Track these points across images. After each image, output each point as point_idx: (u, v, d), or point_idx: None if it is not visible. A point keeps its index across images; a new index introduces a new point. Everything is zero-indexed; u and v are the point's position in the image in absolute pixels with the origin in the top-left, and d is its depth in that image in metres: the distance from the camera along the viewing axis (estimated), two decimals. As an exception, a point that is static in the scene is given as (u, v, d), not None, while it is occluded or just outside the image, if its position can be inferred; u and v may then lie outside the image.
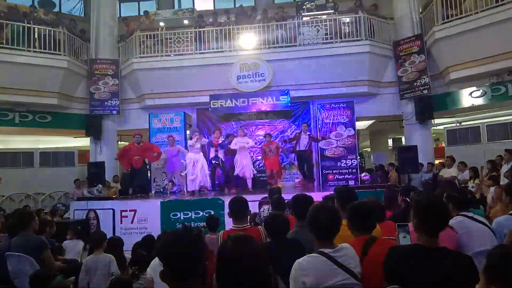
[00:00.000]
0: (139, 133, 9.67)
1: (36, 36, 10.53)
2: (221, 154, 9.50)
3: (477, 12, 8.99)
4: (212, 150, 9.56)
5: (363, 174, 10.23)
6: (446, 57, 9.94)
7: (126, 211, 8.06)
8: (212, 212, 7.61)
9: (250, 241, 1.58)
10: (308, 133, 9.78)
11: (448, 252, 2.04)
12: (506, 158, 7.81)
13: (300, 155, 9.85)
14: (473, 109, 10.31)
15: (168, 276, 1.51)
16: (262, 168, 10.46)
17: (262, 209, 5.15)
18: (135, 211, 8.03)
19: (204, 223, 4.73)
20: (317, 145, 10.28)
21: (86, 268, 3.98)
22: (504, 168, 7.67)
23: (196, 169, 8.84)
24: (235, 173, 9.37)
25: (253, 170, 9.54)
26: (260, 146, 10.22)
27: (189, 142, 9.18)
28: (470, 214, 3.17)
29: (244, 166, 9.22)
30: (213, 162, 9.26)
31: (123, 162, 9.68)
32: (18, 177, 11.38)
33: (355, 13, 10.82)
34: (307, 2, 11.82)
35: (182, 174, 9.48)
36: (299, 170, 10.37)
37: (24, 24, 10.28)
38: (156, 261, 3.22)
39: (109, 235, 6.61)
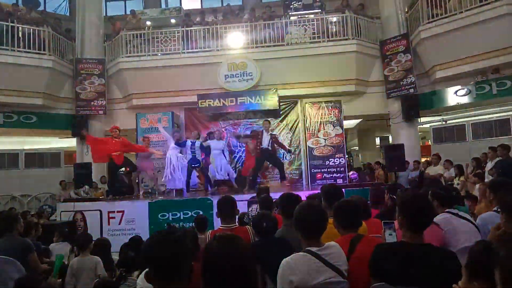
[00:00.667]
0: (116, 126, 9.21)
1: (20, 35, 10.36)
2: (199, 155, 9.02)
3: (462, 12, 9.14)
4: (189, 152, 9.02)
5: (351, 173, 10.31)
6: (432, 56, 10.07)
7: (114, 212, 8.00)
8: (201, 212, 7.61)
9: (236, 240, 1.58)
10: (270, 133, 8.86)
11: (433, 248, 2.07)
12: (490, 155, 7.93)
13: (264, 154, 8.82)
14: (458, 107, 10.46)
15: (153, 277, 1.50)
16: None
17: (250, 209, 5.15)
18: (122, 212, 7.97)
19: (193, 223, 4.71)
20: (306, 144, 10.31)
21: (73, 270, 3.94)
22: (489, 165, 7.79)
23: (174, 168, 8.84)
24: (217, 178, 9.22)
25: (232, 170, 9.51)
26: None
27: (170, 141, 9.12)
28: (455, 211, 3.21)
29: (222, 168, 9.08)
30: (192, 165, 8.91)
31: (95, 153, 9.15)
32: (3, 179, 11.19)
33: (342, 12, 10.88)
34: (294, 2, 11.85)
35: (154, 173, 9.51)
36: (255, 171, 9.14)
37: (8, 23, 10.11)
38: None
39: (97, 236, 6.57)
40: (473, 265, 1.61)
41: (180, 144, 9.09)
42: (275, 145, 8.94)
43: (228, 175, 9.25)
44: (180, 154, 9.06)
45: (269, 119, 9.74)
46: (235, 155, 10.90)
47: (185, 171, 8.95)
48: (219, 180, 9.34)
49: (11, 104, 10.52)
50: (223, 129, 10.80)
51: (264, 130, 8.84)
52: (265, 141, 8.71)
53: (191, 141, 8.92)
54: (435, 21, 9.65)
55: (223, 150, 9.26)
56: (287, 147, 9.89)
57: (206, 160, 9.17)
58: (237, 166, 10.67)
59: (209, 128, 11.10)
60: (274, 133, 9.35)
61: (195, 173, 9.51)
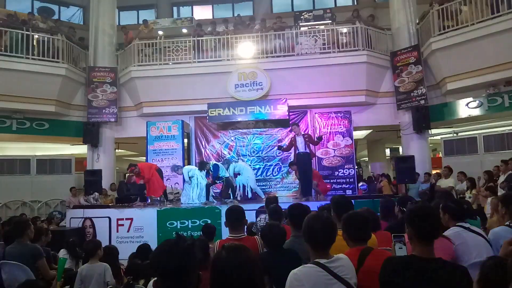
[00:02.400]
0: (132, 168, 8.86)
1: (34, 43, 10.56)
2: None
3: (473, 24, 9.08)
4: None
5: (360, 184, 10.24)
6: (443, 68, 10.01)
7: (123, 219, 8.03)
8: (209, 221, 7.60)
9: (244, 251, 1.57)
10: (302, 133, 8.76)
11: (443, 262, 2.04)
12: (503, 168, 7.83)
13: (301, 158, 8.49)
14: (470, 119, 10.35)
15: (161, 286, 1.51)
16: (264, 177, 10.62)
17: (259, 219, 5.11)
18: (131, 219, 7.99)
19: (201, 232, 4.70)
20: (315, 154, 10.25)
21: (81, 277, 3.95)
22: (501, 179, 7.69)
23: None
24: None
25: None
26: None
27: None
28: (467, 225, 3.16)
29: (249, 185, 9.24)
30: (216, 181, 9.22)
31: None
32: (14, 185, 11.33)
33: (352, 23, 10.89)
34: (305, 13, 11.93)
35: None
36: (298, 178, 9.16)
37: (23, 32, 10.32)
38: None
39: (105, 243, 6.59)
40: (486, 281, 1.59)
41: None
42: (310, 143, 8.60)
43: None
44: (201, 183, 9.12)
45: (296, 122, 9.84)
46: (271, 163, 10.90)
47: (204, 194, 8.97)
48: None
49: (24, 111, 10.70)
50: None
51: (296, 135, 8.55)
52: (300, 145, 8.41)
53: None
54: (446, 33, 9.60)
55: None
56: (316, 139, 9.12)
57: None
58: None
59: (218, 136, 11.14)
60: (304, 133, 9.27)
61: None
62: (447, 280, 1.92)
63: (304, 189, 8.66)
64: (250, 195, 9.34)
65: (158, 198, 9.19)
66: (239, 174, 9.34)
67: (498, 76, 9.07)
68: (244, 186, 9.29)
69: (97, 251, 4.12)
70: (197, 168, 9.05)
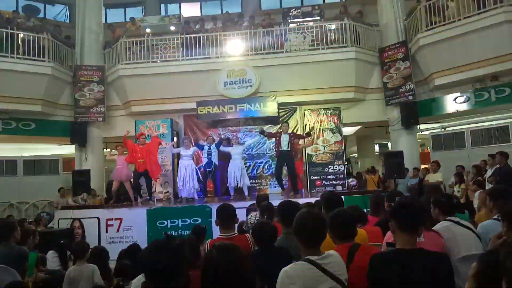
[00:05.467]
0: (142, 133, 9.21)
1: (20, 42, 10.37)
2: (215, 158, 9.08)
3: (460, 19, 9.17)
4: (205, 156, 9.06)
5: (350, 180, 10.29)
6: (430, 63, 10.10)
7: (112, 219, 7.96)
8: (200, 220, 7.58)
9: (234, 250, 1.56)
10: (289, 133, 8.98)
11: (425, 252, 2.11)
12: (490, 163, 7.93)
13: (282, 156, 8.77)
14: (457, 114, 10.47)
15: (150, 286, 1.48)
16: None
17: (249, 216, 5.10)
18: (121, 219, 7.93)
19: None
20: (305, 151, 10.28)
21: (69, 279, 3.90)
22: (489, 173, 7.78)
23: (185, 177, 8.75)
24: (228, 182, 9.18)
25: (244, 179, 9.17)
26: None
27: (181, 150, 9.09)
28: (456, 219, 3.19)
29: (235, 174, 8.95)
30: (207, 169, 8.95)
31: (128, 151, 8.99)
32: (1, 186, 11.18)
33: (340, 20, 10.92)
34: (294, 9, 11.93)
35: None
36: (275, 176, 9.24)
37: (7, 30, 10.13)
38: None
39: (95, 244, 6.52)
40: (482, 276, 1.60)
41: (198, 145, 9.15)
42: (295, 140, 8.93)
43: (237, 181, 9.03)
44: (193, 164, 9.02)
45: (286, 120, 9.93)
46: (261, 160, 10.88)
47: (196, 180, 8.87)
48: (238, 188, 9.23)
49: (9, 111, 10.51)
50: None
51: (282, 133, 8.83)
52: (284, 142, 8.68)
53: (208, 145, 8.95)
54: (434, 29, 9.69)
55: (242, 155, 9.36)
56: (304, 134, 9.59)
57: (224, 165, 9.26)
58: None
59: (208, 134, 11.09)
60: (291, 132, 9.28)
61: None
62: (430, 270, 2.01)
63: (293, 186, 8.86)
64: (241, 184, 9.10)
65: (148, 197, 9.15)
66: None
67: (485, 71, 9.18)
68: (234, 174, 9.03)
69: (85, 252, 4.07)
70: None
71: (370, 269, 2.10)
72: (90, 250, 4.27)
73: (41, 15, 15.96)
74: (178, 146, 10.02)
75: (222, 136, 10.21)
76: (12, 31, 10.17)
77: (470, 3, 9.08)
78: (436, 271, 2.01)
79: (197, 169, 9.17)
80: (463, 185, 8.32)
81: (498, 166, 7.60)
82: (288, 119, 11.05)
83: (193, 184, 8.77)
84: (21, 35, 10.43)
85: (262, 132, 9.37)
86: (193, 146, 9.37)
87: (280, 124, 9.79)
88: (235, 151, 9.10)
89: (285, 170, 9.24)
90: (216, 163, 9.06)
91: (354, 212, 3.28)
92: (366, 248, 2.52)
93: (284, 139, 8.70)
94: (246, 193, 9.03)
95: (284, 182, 9.45)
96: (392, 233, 2.28)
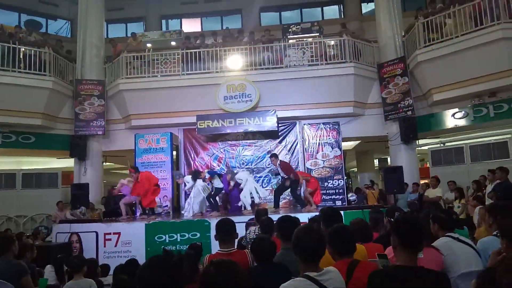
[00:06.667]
0: (130, 169, 8.99)
1: (21, 56, 10.46)
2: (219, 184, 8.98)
3: (458, 36, 9.26)
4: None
5: (349, 195, 10.26)
6: (429, 79, 10.16)
7: (110, 234, 7.91)
8: (198, 235, 7.53)
9: (233, 267, 1.55)
10: (278, 164, 9.05)
11: (427, 271, 2.08)
12: (490, 178, 7.92)
13: (283, 181, 9.15)
14: (456, 130, 10.50)
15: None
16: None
17: (248, 231, 5.07)
18: (119, 234, 7.87)
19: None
20: (304, 165, 10.31)
21: (67, 294, 3.86)
22: (489, 188, 7.77)
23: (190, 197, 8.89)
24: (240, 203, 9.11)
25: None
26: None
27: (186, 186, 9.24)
28: (456, 235, 3.17)
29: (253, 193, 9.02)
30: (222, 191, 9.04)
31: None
32: (-1, 199, 11.12)
33: (340, 36, 11.03)
34: (293, 25, 12.06)
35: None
36: (274, 193, 9.59)
37: (9, 45, 10.22)
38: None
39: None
40: None
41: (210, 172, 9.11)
42: (286, 169, 8.96)
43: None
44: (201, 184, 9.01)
45: (273, 153, 9.88)
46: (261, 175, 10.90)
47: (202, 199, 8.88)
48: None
49: (10, 124, 10.52)
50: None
51: (273, 165, 9.29)
52: (281, 172, 9.05)
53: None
54: (432, 45, 9.78)
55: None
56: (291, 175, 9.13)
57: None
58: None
59: (207, 148, 11.12)
60: (279, 161, 9.19)
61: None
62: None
63: (300, 204, 9.05)
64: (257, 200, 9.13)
65: (146, 211, 9.10)
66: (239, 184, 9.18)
67: (483, 87, 9.22)
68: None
69: (82, 267, 4.03)
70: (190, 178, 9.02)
71: (369, 285, 2.07)
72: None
73: (43, 30, 16.16)
74: (177, 163, 10.07)
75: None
76: (14, 45, 10.27)
77: (467, 20, 9.19)
78: None
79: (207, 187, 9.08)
80: (463, 200, 8.30)
81: (498, 181, 7.59)
82: (287, 134, 11.09)
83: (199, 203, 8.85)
84: (22, 49, 10.52)
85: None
86: (183, 177, 9.43)
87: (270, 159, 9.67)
88: (242, 176, 9.12)
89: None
90: (225, 186, 9.00)
91: (357, 227, 3.27)
92: (366, 264, 2.50)
93: (279, 169, 9.02)
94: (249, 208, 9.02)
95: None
96: (393, 249, 2.26)
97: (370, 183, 11.89)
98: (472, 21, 9.11)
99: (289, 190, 9.16)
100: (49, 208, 10.89)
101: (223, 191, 9.11)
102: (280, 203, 9.68)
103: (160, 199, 9.94)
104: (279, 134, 10.94)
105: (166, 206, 10.00)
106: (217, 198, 9.11)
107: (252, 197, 8.99)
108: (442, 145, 11.44)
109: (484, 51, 8.87)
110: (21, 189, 11.58)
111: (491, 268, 2.02)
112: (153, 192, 8.64)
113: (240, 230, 4.70)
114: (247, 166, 10.71)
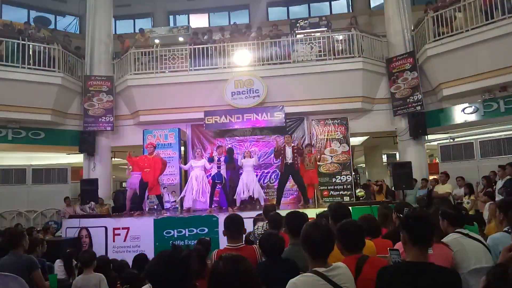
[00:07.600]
0: (151, 143, 9.09)
1: (30, 53, 10.54)
2: (223, 171, 8.85)
3: (468, 30, 9.13)
4: (215, 167, 8.87)
5: (357, 190, 10.22)
6: (438, 74, 10.05)
7: (119, 229, 7.98)
8: (206, 230, 7.57)
9: (241, 261, 1.55)
10: (292, 145, 8.81)
11: (436, 267, 2.06)
12: (500, 174, 7.84)
13: (287, 169, 8.71)
14: (466, 125, 10.38)
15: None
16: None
17: (256, 227, 5.07)
18: (128, 228, 7.94)
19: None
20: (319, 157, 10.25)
21: (77, 288, 3.90)
22: (499, 184, 7.69)
23: (193, 188, 8.74)
24: (237, 193, 8.88)
25: (260, 190, 9.02)
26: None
27: (192, 162, 9.16)
28: (465, 231, 3.14)
29: (251, 186, 8.79)
30: (216, 181, 8.78)
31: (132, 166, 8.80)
32: (10, 194, 11.25)
33: (348, 30, 10.95)
34: (301, 20, 12.02)
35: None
36: (277, 188, 9.34)
37: (19, 41, 10.30)
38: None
39: (102, 253, 6.54)
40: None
41: (209, 159, 8.96)
42: (299, 156, 8.76)
43: (252, 192, 8.85)
44: (205, 176, 8.97)
45: (288, 134, 9.68)
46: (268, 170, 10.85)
47: (206, 192, 8.85)
48: (245, 201, 9.08)
49: (19, 120, 10.64)
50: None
51: (286, 145, 8.74)
52: (289, 155, 8.64)
53: (217, 157, 8.82)
54: (441, 39, 9.67)
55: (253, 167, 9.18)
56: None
57: (232, 178, 9.02)
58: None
59: (215, 144, 11.13)
60: (295, 144, 9.03)
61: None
62: (441, 284, 1.97)
63: (304, 197, 8.83)
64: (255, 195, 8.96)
65: (155, 207, 9.13)
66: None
67: (493, 81, 9.10)
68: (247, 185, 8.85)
69: (92, 262, 4.07)
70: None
71: (379, 281, 2.07)
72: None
73: (51, 26, 16.26)
74: (185, 159, 10.04)
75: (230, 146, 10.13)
76: (23, 42, 10.35)
77: (478, 14, 9.06)
78: (446, 287, 1.97)
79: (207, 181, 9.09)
80: (473, 196, 8.23)
81: (508, 177, 7.51)
82: (295, 129, 11.06)
83: (201, 194, 8.77)
84: (32, 46, 10.60)
85: (277, 151, 8.97)
86: (203, 158, 9.30)
87: (284, 137, 9.49)
88: (248, 164, 8.97)
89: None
90: (226, 177, 8.86)
91: (366, 223, 3.25)
92: (375, 260, 2.49)
93: (288, 152, 8.66)
94: (262, 202, 8.89)
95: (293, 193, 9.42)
96: (403, 245, 2.25)
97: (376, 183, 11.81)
98: (482, 15, 8.98)
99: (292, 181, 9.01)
100: (59, 203, 11.00)
101: (219, 186, 8.95)
102: (288, 199, 9.67)
103: (168, 194, 10.00)
104: (287, 129, 10.90)
105: (174, 201, 10.04)
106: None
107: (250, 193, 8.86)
108: (451, 140, 11.32)
109: (495, 45, 8.73)
110: (31, 185, 11.70)
111: (502, 264, 1.99)
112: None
113: (248, 225, 4.72)
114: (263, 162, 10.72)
